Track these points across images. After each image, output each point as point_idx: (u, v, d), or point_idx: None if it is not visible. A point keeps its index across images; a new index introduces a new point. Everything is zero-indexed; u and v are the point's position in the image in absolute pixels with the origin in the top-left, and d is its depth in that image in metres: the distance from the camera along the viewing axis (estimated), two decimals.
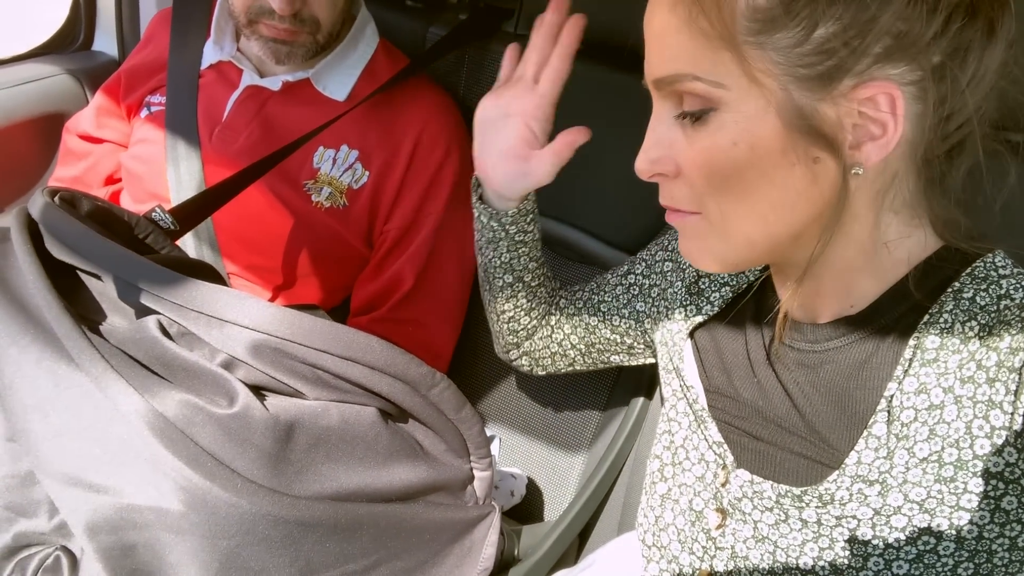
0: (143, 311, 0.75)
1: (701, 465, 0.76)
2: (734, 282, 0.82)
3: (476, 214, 0.95)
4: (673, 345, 0.84)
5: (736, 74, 0.58)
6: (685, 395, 0.80)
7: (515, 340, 1.05)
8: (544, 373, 1.09)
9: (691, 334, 0.83)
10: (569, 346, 1.02)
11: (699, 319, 0.82)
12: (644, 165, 0.66)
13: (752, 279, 0.81)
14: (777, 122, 0.58)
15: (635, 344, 0.97)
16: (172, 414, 0.67)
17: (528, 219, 0.94)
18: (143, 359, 0.72)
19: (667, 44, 0.61)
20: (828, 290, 0.69)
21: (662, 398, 0.86)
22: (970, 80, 0.58)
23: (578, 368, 1.05)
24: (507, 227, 0.93)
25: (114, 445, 0.68)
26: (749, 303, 0.79)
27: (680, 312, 0.85)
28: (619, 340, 0.98)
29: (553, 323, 1.02)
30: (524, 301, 1.00)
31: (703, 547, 0.74)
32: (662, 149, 0.65)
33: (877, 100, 0.57)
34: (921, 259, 0.66)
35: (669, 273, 0.90)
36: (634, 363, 1.01)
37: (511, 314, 1.01)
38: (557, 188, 0.95)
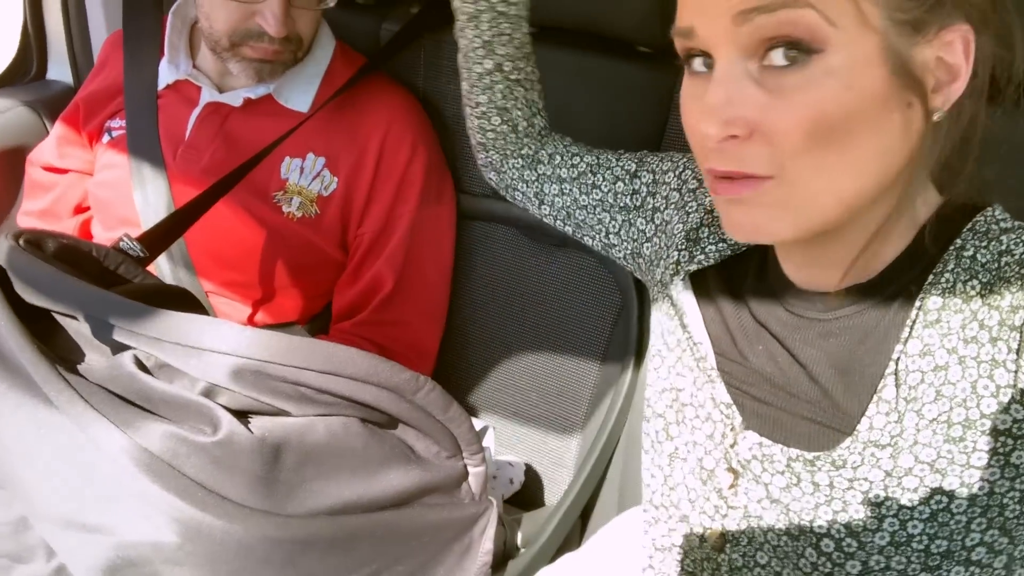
0: (119, 347, 0.75)
1: (709, 424, 0.75)
2: (732, 241, 0.80)
3: None
4: (672, 291, 0.82)
5: (847, 13, 0.55)
6: (691, 349, 0.78)
7: (483, 141, 0.97)
8: (511, 200, 1.00)
9: (690, 283, 0.80)
10: (549, 203, 0.95)
11: (693, 267, 0.80)
12: (715, 128, 0.58)
13: (752, 244, 0.80)
14: (883, 66, 0.57)
15: (621, 251, 0.92)
16: (157, 448, 0.67)
17: None
18: (123, 395, 0.72)
19: None
20: (848, 256, 0.67)
21: (657, 351, 0.83)
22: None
23: (546, 222, 0.97)
24: None
25: (103, 484, 0.68)
26: (751, 267, 0.77)
27: (675, 255, 0.82)
28: (603, 234, 0.92)
29: (540, 171, 0.95)
30: (500, 97, 0.93)
31: (715, 506, 0.74)
32: (735, 108, 0.58)
33: (955, 44, 0.58)
34: (929, 216, 0.65)
35: (673, 205, 0.86)
36: (606, 254, 0.95)
37: (484, 109, 0.94)
38: None
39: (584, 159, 0.92)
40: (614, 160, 0.91)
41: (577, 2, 0.90)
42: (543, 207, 0.95)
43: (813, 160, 0.58)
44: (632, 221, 0.89)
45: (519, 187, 0.96)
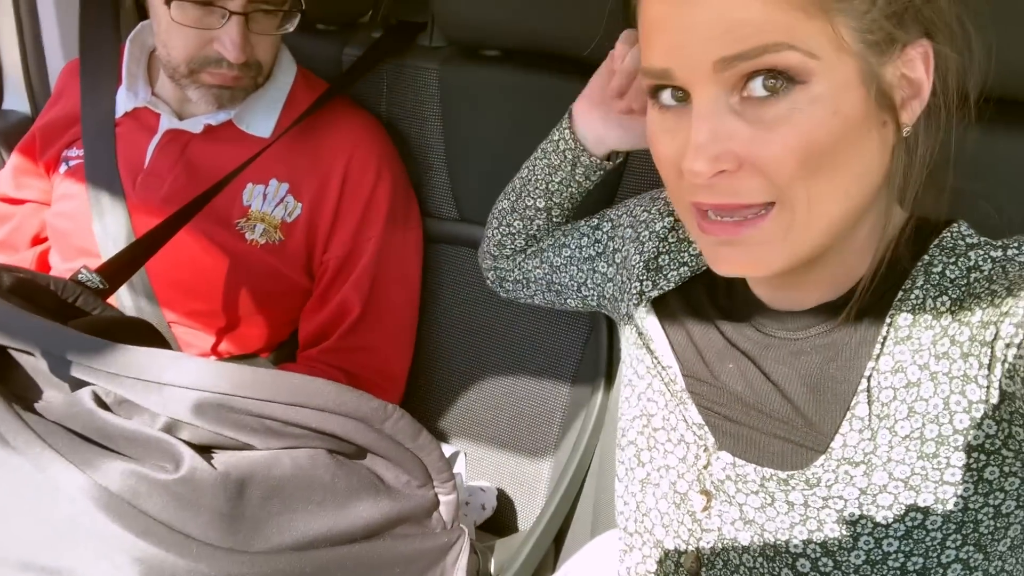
0: (78, 383, 0.73)
1: (681, 446, 0.75)
2: (693, 263, 0.81)
3: (559, 135, 0.93)
4: (637, 319, 0.83)
5: (826, 43, 0.56)
6: (660, 374, 0.79)
7: (496, 253, 1.04)
8: (505, 296, 1.08)
9: (654, 310, 0.82)
10: (531, 279, 1.02)
11: (655, 293, 0.82)
12: (705, 165, 0.59)
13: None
14: (862, 88, 0.58)
15: (593, 298, 0.97)
16: (116, 487, 0.65)
17: (598, 174, 0.94)
18: (82, 432, 0.70)
19: (746, 18, 0.56)
20: (824, 276, 0.68)
21: (628, 381, 0.85)
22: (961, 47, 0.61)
23: (537, 302, 1.05)
24: (580, 163, 0.92)
25: (62, 525, 0.66)
26: (718, 288, 0.78)
27: (637, 286, 0.84)
28: (576, 290, 0.97)
29: (527, 252, 1.02)
30: (535, 229, 0.99)
31: (688, 530, 0.73)
32: (721, 143, 0.59)
33: (915, 61, 0.59)
34: (894, 235, 0.66)
35: (630, 241, 0.89)
36: (585, 310, 1.02)
37: (515, 230, 1.00)
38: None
39: (559, 228, 0.99)
40: (582, 222, 0.97)
41: (543, 25, 0.90)
42: (530, 286, 1.03)
43: (807, 187, 0.59)
44: (596, 268, 0.94)
45: (510, 276, 1.04)
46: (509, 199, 1.00)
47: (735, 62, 0.57)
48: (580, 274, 0.95)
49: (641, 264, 0.84)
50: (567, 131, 0.91)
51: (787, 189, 0.59)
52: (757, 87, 0.57)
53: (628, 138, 0.89)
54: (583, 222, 0.97)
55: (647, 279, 0.83)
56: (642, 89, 0.66)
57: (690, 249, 0.82)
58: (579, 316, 1.24)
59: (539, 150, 0.96)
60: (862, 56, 0.57)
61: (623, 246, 0.90)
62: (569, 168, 0.93)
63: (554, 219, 0.98)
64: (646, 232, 0.86)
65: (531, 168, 0.97)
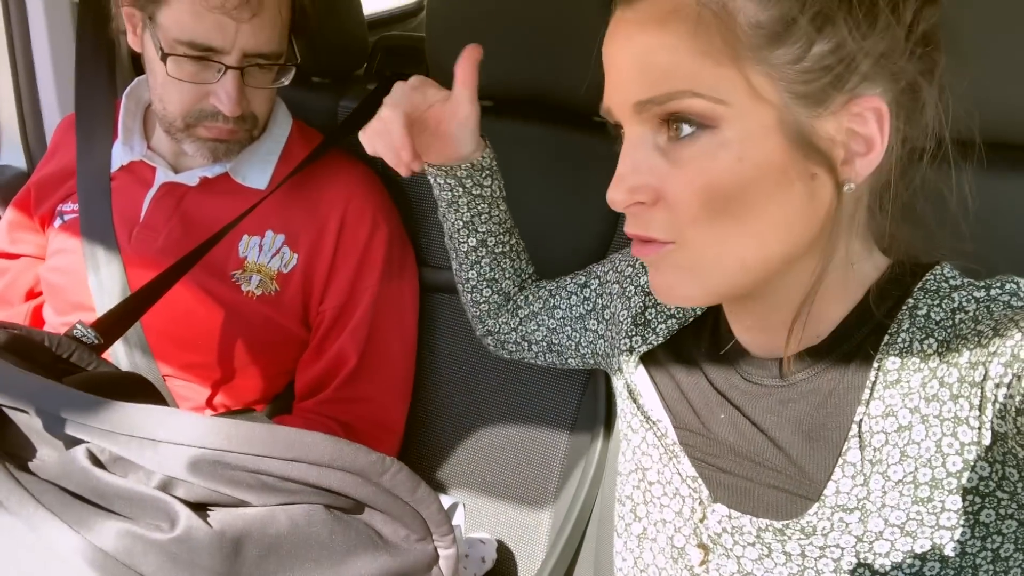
0: (72, 441, 0.72)
1: (677, 500, 0.75)
2: (680, 315, 0.82)
3: (432, 180, 0.94)
4: (627, 374, 0.83)
5: (738, 90, 0.58)
6: (652, 428, 0.79)
7: (478, 313, 1.05)
8: (509, 357, 1.08)
9: (643, 364, 0.82)
10: (532, 341, 1.02)
11: (644, 348, 0.82)
12: (621, 195, 0.63)
13: (698, 313, 0.81)
14: (780, 137, 0.58)
15: (590, 356, 0.97)
16: (111, 547, 0.64)
17: (483, 174, 0.93)
18: (76, 491, 0.69)
19: (655, 64, 0.59)
20: (791, 319, 0.68)
21: (624, 436, 0.85)
22: (931, 101, 0.61)
23: (539, 363, 1.05)
24: (463, 181, 0.92)
25: None
26: (704, 338, 0.78)
27: (627, 342, 0.84)
28: (575, 349, 0.98)
29: (521, 315, 1.02)
30: (488, 270, 1.00)
31: None
32: (641, 176, 0.62)
33: (865, 116, 0.59)
34: (875, 279, 0.66)
35: (617, 297, 0.89)
36: (587, 367, 1.02)
37: (474, 283, 1.01)
38: None
39: (546, 288, 1.00)
40: (568, 279, 0.98)
41: (531, 74, 0.91)
42: (532, 347, 1.03)
43: (711, 228, 0.61)
44: (587, 325, 0.94)
45: (510, 338, 1.04)
46: (453, 259, 1.02)
47: (648, 105, 0.60)
48: (575, 334, 0.96)
49: (629, 320, 0.85)
50: (428, 167, 0.93)
51: (688, 230, 0.62)
52: (684, 127, 0.60)
53: (462, 129, 0.90)
54: (570, 280, 0.98)
55: (636, 334, 0.83)
56: None
57: None
58: None
59: (440, 210, 0.98)
60: (785, 106, 0.58)
61: (611, 302, 0.90)
62: (460, 191, 0.93)
63: (497, 251, 0.99)
64: (631, 287, 0.86)
65: (444, 220, 0.99)
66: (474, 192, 0.93)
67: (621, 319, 0.86)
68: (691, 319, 0.81)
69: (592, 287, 0.94)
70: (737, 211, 0.60)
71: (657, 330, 0.82)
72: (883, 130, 0.59)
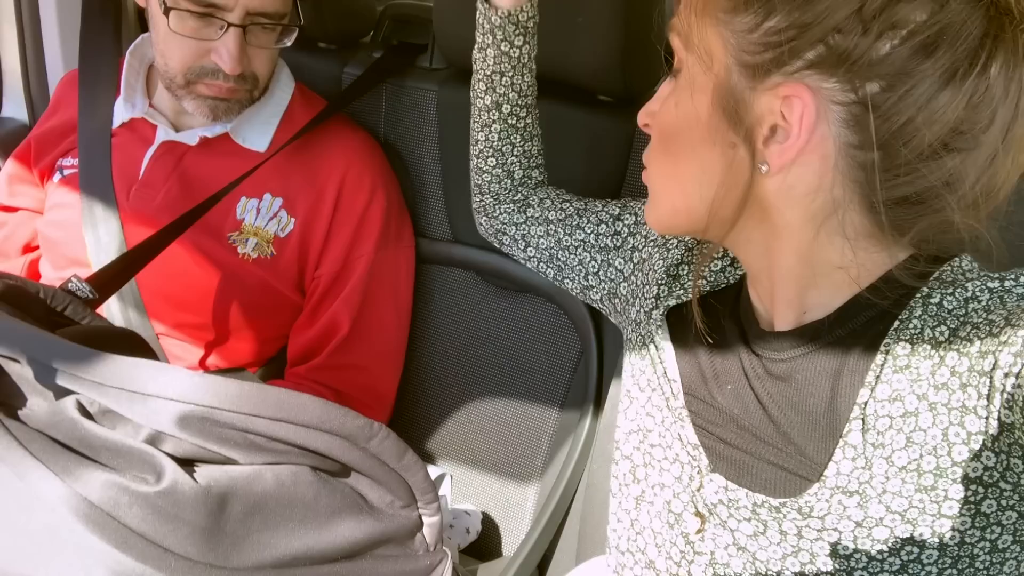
0: (63, 392, 0.72)
1: (677, 465, 0.74)
2: (712, 278, 0.81)
3: (479, 9, 0.92)
4: (649, 325, 0.82)
5: (701, 44, 0.63)
6: (661, 387, 0.78)
7: (479, 182, 1.02)
8: (498, 246, 1.05)
9: (667, 320, 0.81)
10: (533, 245, 0.99)
11: (672, 302, 0.81)
12: (641, 117, 0.73)
13: (732, 280, 0.81)
14: (713, 99, 0.63)
15: (597, 291, 0.94)
16: (97, 497, 0.64)
17: (516, 30, 0.91)
18: (64, 441, 0.69)
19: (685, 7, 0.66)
20: (780, 296, 0.69)
21: (627, 392, 0.83)
22: (908, 123, 0.57)
23: (531, 267, 1.01)
24: (494, 31, 0.90)
25: (40, 535, 0.65)
26: (727, 304, 0.78)
27: (655, 290, 0.83)
28: (583, 276, 0.95)
29: (528, 214, 0.99)
30: (496, 138, 0.98)
31: (681, 551, 0.73)
32: (653, 103, 0.71)
33: (793, 104, 0.59)
34: (882, 272, 0.65)
35: (653, 243, 0.88)
36: (583, 298, 0.98)
37: (482, 147, 0.99)
38: None
39: (572, 204, 0.98)
40: (599, 205, 0.96)
41: (541, 50, 0.92)
42: (528, 249, 1.00)
43: (658, 162, 0.71)
44: (611, 261, 0.92)
45: (508, 230, 1.01)
46: (472, 118, 1.00)
47: (674, 36, 0.68)
48: (592, 263, 0.93)
49: (663, 269, 0.83)
50: (480, 3, 0.91)
51: (649, 159, 0.72)
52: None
53: None
54: (601, 206, 0.95)
55: (665, 284, 0.82)
56: None
57: (712, 265, 0.81)
58: (570, 340, 1.24)
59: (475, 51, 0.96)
60: (727, 71, 0.62)
61: (644, 246, 0.89)
62: (489, 39, 0.91)
63: (510, 122, 0.96)
64: (674, 239, 0.85)
65: (474, 64, 0.96)
66: (503, 48, 0.91)
67: (655, 267, 0.85)
68: (721, 286, 0.80)
69: (626, 222, 0.92)
70: (674, 154, 0.68)
71: (687, 287, 0.81)
72: (802, 123, 0.58)
